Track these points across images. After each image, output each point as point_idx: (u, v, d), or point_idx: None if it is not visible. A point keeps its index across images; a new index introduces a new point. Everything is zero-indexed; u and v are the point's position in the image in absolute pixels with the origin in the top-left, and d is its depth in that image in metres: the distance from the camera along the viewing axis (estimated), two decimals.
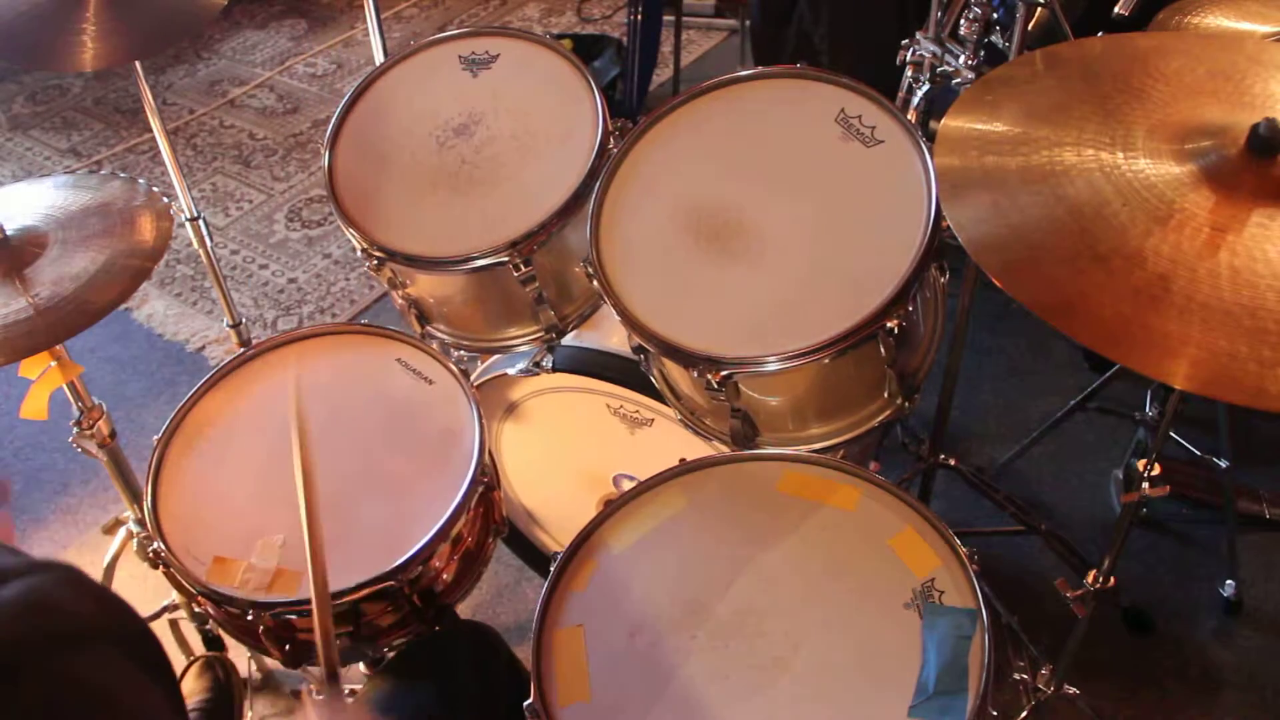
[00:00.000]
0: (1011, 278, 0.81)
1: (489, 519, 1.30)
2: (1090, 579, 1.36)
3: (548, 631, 1.04)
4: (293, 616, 1.14)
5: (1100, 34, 1.12)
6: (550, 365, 1.44)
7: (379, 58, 1.84)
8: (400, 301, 1.44)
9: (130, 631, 0.53)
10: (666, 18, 3.03)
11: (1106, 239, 0.81)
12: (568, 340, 1.46)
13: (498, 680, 1.16)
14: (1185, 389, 0.73)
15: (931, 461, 1.84)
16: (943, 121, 0.97)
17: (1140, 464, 1.22)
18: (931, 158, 1.12)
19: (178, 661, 1.78)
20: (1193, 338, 0.74)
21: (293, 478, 1.22)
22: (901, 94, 1.76)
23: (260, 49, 3.90)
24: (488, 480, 1.24)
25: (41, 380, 1.36)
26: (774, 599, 1.02)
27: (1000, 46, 1.62)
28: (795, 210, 1.18)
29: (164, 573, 1.18)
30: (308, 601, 1.11)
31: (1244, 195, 0.82)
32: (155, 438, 1.26)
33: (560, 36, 3.21)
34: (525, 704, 0.98)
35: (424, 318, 1.47)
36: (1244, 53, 0.97)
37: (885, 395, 1.21)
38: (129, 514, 1.75)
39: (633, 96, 2.95)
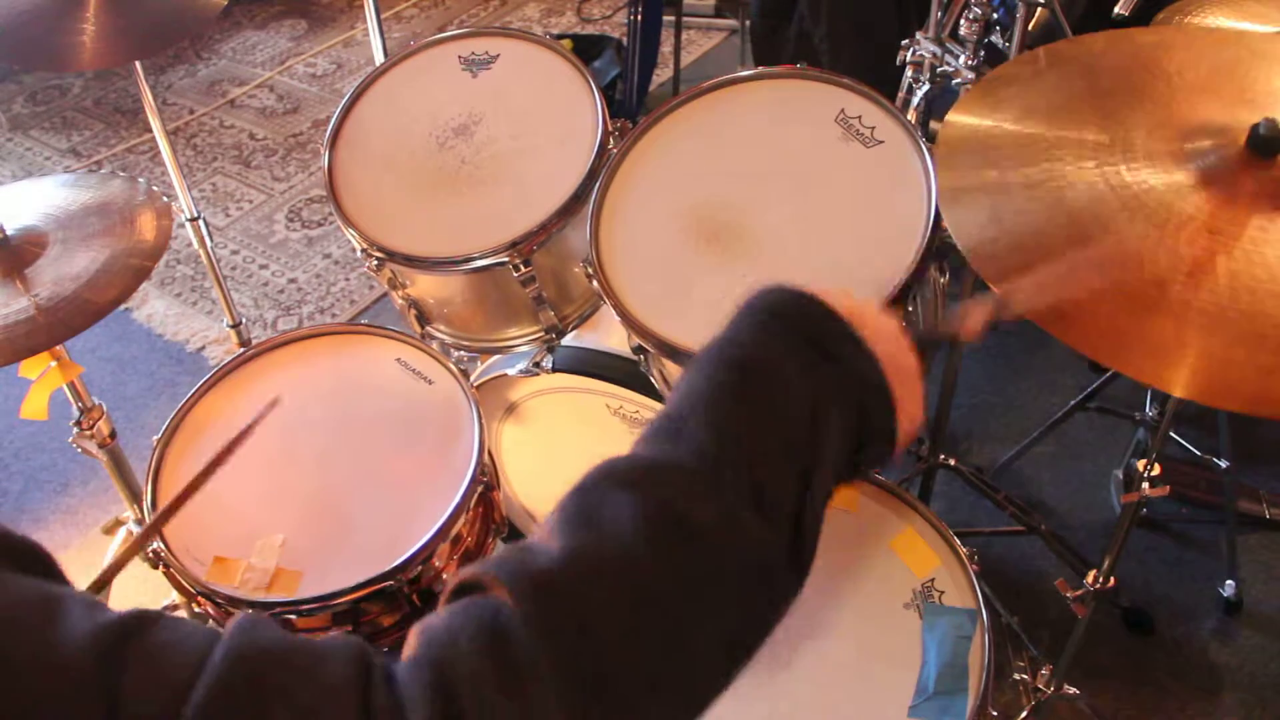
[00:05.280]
0: (1009, 282, 0.81)
1: (489, 519, 1.30)
2: (1090, 579, 1.36)
3: None
4: (292, 617, 1.14)
5: (1100, 33, 1.12)
6: (550, 365, 1.44)
7: (379, 58, 1.84)
8: (400, 302, 1.44)
9: None
10: (666, 18, 3.03)
11: (1105, 244, 0.81)
12: (568, 340, 1.46)
13: None
14: (1183, 396, 0.73)
15: (931, 461, 1.84)
16: (944, 122, 0.97)
17: (1140, 464, 1.22)
18: (932, 158, 1.12)
19: None
20: (1190, 343, 0.74)
21: (292, 477, 1.23)
22: (901, 94, 1.76)
23: (260, 49, 3.90)
24: (487, 480, 1.24)
25: (41, 380, 1.36)
26: None
27: (1000, 46, 1.62)
28: (795, 211, 1.18)
29: (164, 573, 1.18)
30: (308, 601, 1.12)
31: (1243, 198, 0.81)
32: (155, 438, 1.26)
33: (560, 36, 3.21)
34: None
35: (424, 318, 1.47)
36: (1247, 48, 0.96)
37: None
38: (129, 514, 1.75)
39: (633, 96, 2.95)
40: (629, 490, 0.53)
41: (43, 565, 0.51)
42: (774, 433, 0.55)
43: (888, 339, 0.64)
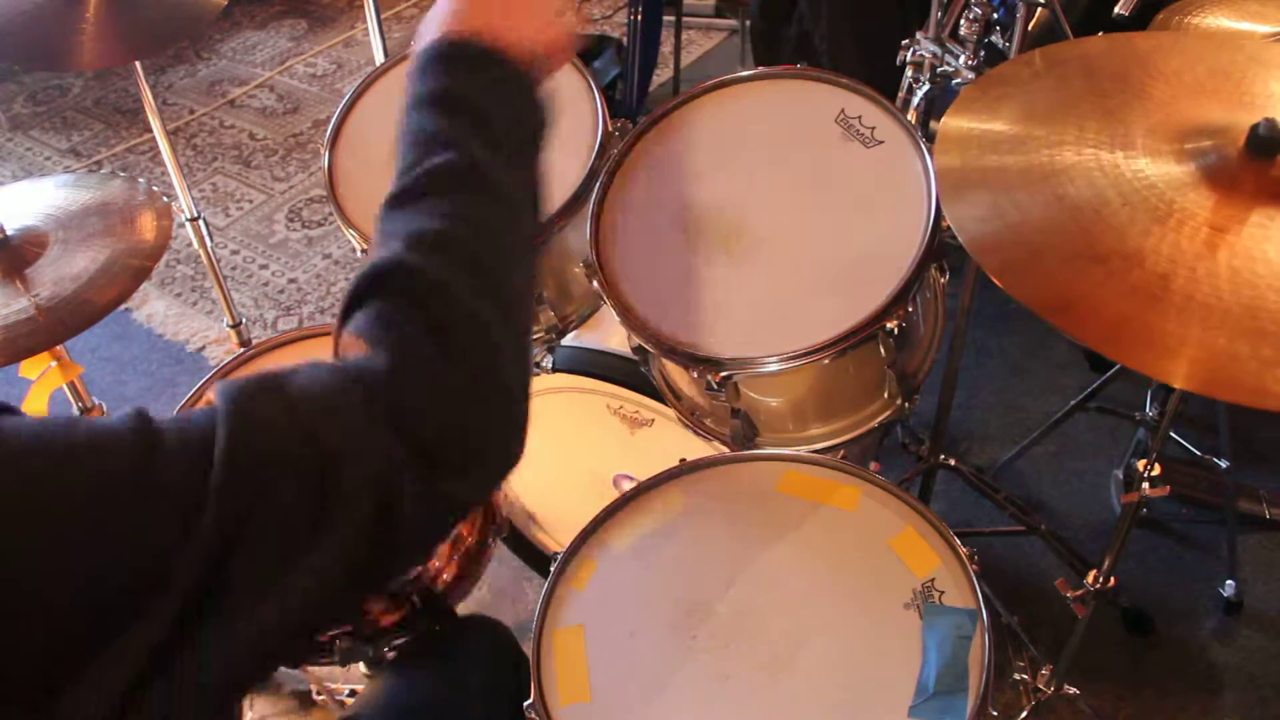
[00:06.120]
0: (1011, 277, 0.81)
1: (489, 519, 1.30)
2: (1090, 579, 1.36)
3: (548, 631, 1.03)
4: None
5: (1101, 34, 1.12)
6: (550, 365, 1.44)
7: (379, 58, 1.84)
8: None
9: None
10: (666, 18, 3.02)
11: (1106, 239, 0.81)
12: (568, 340, 1.46)
13: (505, 673, 1.16)
14: (1185, 388, 0.73)
15: (931, 461, 1.84)
16: (942, 121, 0.97)
17: (1140, 464, 1.22)
18: (931, 158, 1.12)
19: None
20: (1192, 337, 0.74)
21: None
22: (901, 94, 1.76)
23: (260, 49, 3.90)
24: None
25: (42, 380, 1.36)
26: (774, 599, 1.02)
27: (1000, 46, 1.62)
28: (795, 210, 1.18)
29: None
30: None
31: (1244, 195, 0.82)
32: None
33: None
34: (525, 704, 0.98)
35: None
36: (1244, 52, 0.97)
37: (885, 395, 1.21)
38: None
39: (633, 96, 2.95)
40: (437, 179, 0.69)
41: None
42: (471, 122, 0.72)
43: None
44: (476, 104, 0.72)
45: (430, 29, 0.79)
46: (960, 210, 0.88)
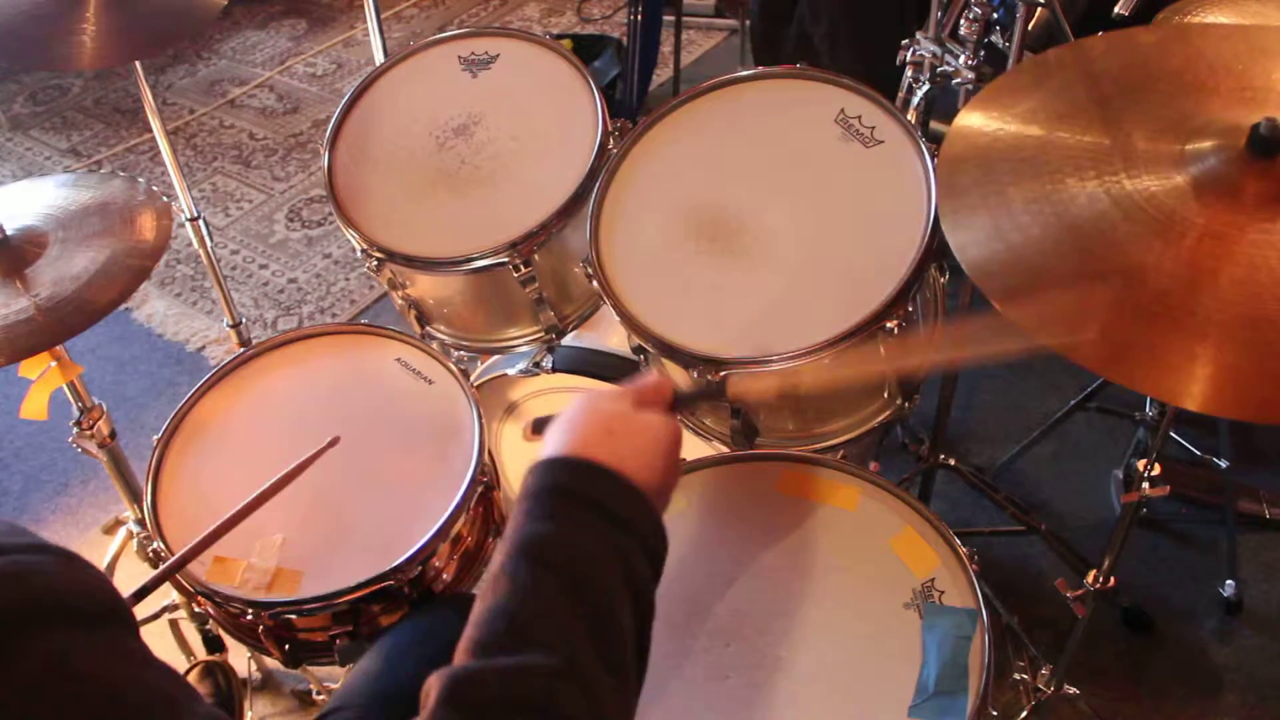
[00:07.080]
0: (1013, 303, 0.80)
1: (489, 519, 1.30)
2: (1090, 579, 1.36)
3: None
4: (293, 616, 1.14)
5: (1100, 34, 1.12)
6: (550, 365, 1.44)
7: (379, 58, 1.84)
8: (400, 302, 1.44)
9: (123, 616, 0.57)
10: (666, 18, 3.03)
11: (1108, 257, 0.80)
12: (568, 340, 1.46)
13: None
14: (1194, 409, 0.72)
15: (931, 461, 1.84)
16: (950, 129, 0.96)
17: (1140, 464, 1.22)
18: (931, 158, 1.12)
19: (178, 664, 1.78)
20: (1198, 355, 0.73)
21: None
22: (901, 94, 1.76)
23: (260, 49, 3.90)
24: (487, 480, 1.24)
25: (41, 380, 1.35)
26: (774, 599, 1.02)
27: (1000, 46, 1.62)
28: (795, 210, 1.18)
29: None
30: (308, 601, 1.12)
31: (1245, 201, 0.81)
32: (155, 438, 1.26)
33: (560, 36, 3.21)
34: None
35: (424, 318, 1.47)
36: (1246, 42, 0.96)
37: (885, 395, 1.21)
38: (129, 514, 1.75)
39: (633, 96, 2.95)
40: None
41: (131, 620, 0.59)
42: (603, 605, 0.66)
43: (642, 449, 0.77)
44: (584, 569, 0.67)
45: (549, 446, 0.75)
46: (961, 233, 0.87)
